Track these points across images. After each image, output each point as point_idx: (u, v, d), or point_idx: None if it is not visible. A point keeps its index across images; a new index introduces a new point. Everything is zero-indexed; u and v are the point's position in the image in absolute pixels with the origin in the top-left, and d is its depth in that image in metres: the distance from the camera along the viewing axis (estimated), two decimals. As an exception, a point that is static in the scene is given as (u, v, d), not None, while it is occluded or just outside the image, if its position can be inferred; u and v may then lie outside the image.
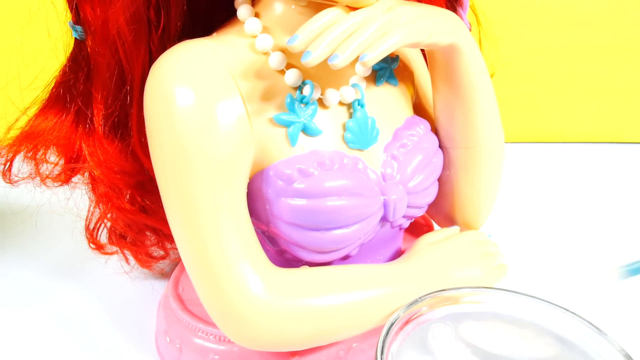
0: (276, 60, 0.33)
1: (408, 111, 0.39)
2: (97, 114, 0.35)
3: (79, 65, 0.36)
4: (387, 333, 0.27)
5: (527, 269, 0.50)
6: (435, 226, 0.49)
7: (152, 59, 0.33)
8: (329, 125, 0.34)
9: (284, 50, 0.33)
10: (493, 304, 0.31)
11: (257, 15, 0.33)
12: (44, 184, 0.39)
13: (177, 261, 0.46)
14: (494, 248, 0.40)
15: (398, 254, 0.41)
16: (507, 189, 0.55)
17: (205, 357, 0.36)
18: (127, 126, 0.36)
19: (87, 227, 0.42)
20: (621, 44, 0.75)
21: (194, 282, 0.32)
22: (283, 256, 0.36)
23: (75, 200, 0.41)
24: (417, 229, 0.49)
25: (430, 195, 0.39)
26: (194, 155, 0.30)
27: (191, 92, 0.30)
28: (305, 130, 0.33)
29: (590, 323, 0.29)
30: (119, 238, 0.43)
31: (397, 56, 0.38)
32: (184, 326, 0.37)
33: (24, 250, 0.53)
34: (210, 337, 0.36)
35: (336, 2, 0.30)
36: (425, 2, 0.37)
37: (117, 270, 0.48)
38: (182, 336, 0.37)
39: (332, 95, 0.34)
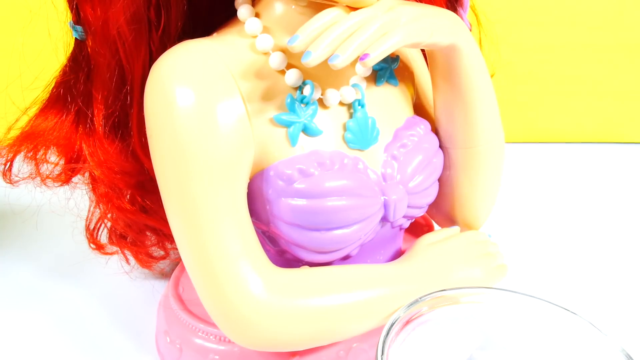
0: (276, 60, 0.33)
1: (408, 111, 0.39)
2: (97, 114, 0.35)
3: (79, 65, 0.36)
4: (388, 333, 0.27)
5: (527, 269, 0.50)
6: (435, 226, 0.49)
7: (152, 59, 0.33)
8: (329, 125, 0.34)
9: (284, 51, 0.33)
10: (493, 304, 0.31)
11: (257, 15, 0.33)
12: (44, 184, 0.39)
13: (177, 261, 0.46)
14: (494, 248, 0.40)
15: (398, 254, 0.41)
16: (507, 189, 0.55)
17: (206, 357, 0.36)
18: (127, 126, 0.36)
19: (87, 227, 0.42)
20: (621, 44, 0.75)
21: (194, 282, 0.32)
22: (283, 256, 0.36)
23: (76, 201, 0.42)
24: (417, 229, 0.49)
25: (431, 195, 0.39)
26: (194, 155, 0.30)
27: (191, 92, 0.30)
28: (306, 130, 0.33)
29: (590, 323, 0.29)
30: (119, 238, 0.43)
31: (398, 56, 0.38)
32: (184, 326, 0.37)
33: (25, 250, 0.53)
34: (211, 337, 0.36)
35: (336, 2, 0.30)
36: (426, 2, 0.37)
37: (118, 271, 0.48)
38: (182, 336, 0.37)
39: (333, 96, 0.34)
